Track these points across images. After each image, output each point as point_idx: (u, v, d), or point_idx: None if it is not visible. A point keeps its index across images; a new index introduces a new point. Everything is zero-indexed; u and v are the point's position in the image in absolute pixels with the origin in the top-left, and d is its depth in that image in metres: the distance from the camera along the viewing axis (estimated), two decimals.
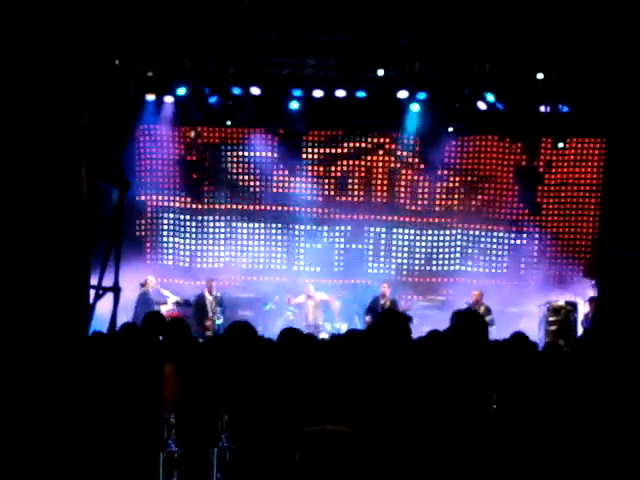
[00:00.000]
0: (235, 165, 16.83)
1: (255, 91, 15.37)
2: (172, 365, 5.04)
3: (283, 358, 5.21)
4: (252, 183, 16.86)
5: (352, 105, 15.71)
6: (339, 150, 16.88)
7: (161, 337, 6.10)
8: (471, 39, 13.81)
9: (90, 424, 4.54)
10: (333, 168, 16.90)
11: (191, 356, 5.41)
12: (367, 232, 16.99)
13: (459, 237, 16.94)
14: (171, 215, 16.87)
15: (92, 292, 9.79)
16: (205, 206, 16.88)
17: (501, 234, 16.95)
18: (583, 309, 14.81)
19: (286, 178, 16.82)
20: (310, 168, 16.80)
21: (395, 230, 16.98)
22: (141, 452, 3.96)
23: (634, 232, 11.99)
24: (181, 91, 15.44)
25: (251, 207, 16.86)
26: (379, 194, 16.99)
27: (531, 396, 4.73)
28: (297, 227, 16.89)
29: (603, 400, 4.68)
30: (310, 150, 16.83)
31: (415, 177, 16.93)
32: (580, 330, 14.62)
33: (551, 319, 14.83)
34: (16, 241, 5.01)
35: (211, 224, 16.91)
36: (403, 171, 16.94)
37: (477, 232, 16.91)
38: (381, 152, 16.92)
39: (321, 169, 16.86)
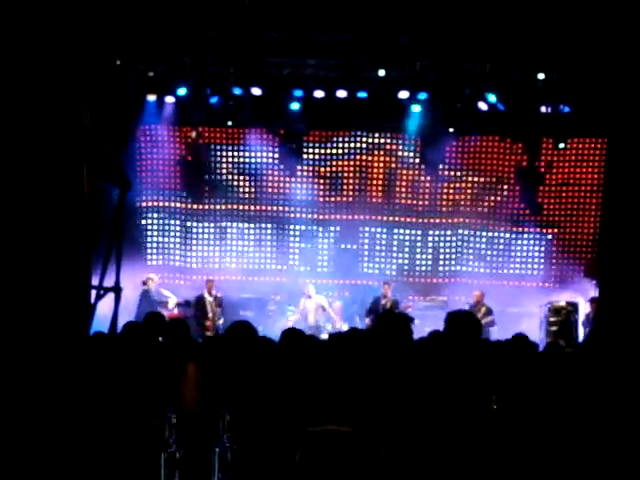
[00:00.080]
0: (236, 165, 16.84)
1: (256, 91, 15.37)
2: (194, 365, 5.03)
3: (285, 358, 5.22)
4: (253, 183, 16.87)
5: (353, 105, 15.72)
6: (340, 150, 16.89)
7: (161, 338, 6.10)
8: (472, 39, 13.81)
9: (91, 424, 4.54)
10: (334, 168, 16.90)
11: (194, 356, 5.40)
12: (368, 232, 16.99)
13: (460, 237, 16.94)
14: (171, 215, 16.87)
15: (93, 292, 9.80)
16: (206, 206, 16.88)
17: (502, 234, 16.96)
18: (584, 309, 14.81)
19: (287, 178, 16.83)
20: (311, 168, 16.82)
21: (396, 230, 16.99)
22: (142, 452, 3.96)
23: (635, 232, 11.98)
24: (182, 91, 15.44)
25: (252, 207, 16.86)
26: (380, 194, 17.00)
27: (531, 396, 4.73)
28: (298, 227, 16.90)
29: (604, 401, 4.68)
30: (311, 150, 16.84)
31: (416, 177, 16.94)
32: (581, 330, 14.63)
33: (552, 319, 14.82)
34: (17, 241, 5.01)
35: (211, 224, 16.90)
36: (404, 171, 16.94)
37: (478, 232, 16.91)
38: (382, 152, 16.92)
39: (322, 169, 16.87)
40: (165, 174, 16.74)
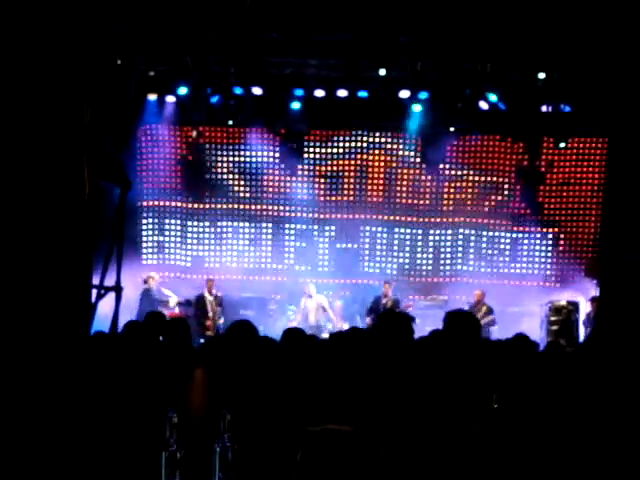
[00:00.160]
0: (237, 165, 16.84)
1: (257, 91, 15.37)
2: (202, 370, 5.03)
3: (285, 358, 5.22)
4: (254, 183, 16.87)
5: (354, 105, 15.71)
6: (340, 150, 16.89)
7: (161, 337, 6.10)
8: (473, 38, 13.80)
9: (92, 424, 4.54)
10: (335, 168, 16.90)
11: (201, 362, 5.40)
12: (368, 231, 17.00)
13: (460, 237, 16.94)
14: (172, 215, 16.88)
15: (94, 292, 9.80)
16: (207, 206, 16.88)
17: (503, 234, 16.96)
18: (585, 309, 14.81)
19: (287, 178, 16.84)
20: (312, 168, 16.82)
21: (397, 230, 17.00)
22: (143, 452, 3.97)
23: (636, 232, 11.97)
24: (183, 91, 15.44)
25: (253, 207, 16.87)
26: (381, 193, 17.00)
27: (532, 396, 4.73)
28: (298, 227, 16.90)
29: (604, 400, 4.68)
30: (312, 150, 16.84)
31: (417, 177, 16.94)
32: (582, 330, 14.62)
33: (553, 319, 14.82)
34: (18, 240, 5.02)
35: (212, 224, 16.91)
36: (404, 171, 16.95)
37: (478, 232, 16.91)
38: (382, 152, 16.92)
39: (323, 169, 16.87)
40: (166, 173, 16.74)
